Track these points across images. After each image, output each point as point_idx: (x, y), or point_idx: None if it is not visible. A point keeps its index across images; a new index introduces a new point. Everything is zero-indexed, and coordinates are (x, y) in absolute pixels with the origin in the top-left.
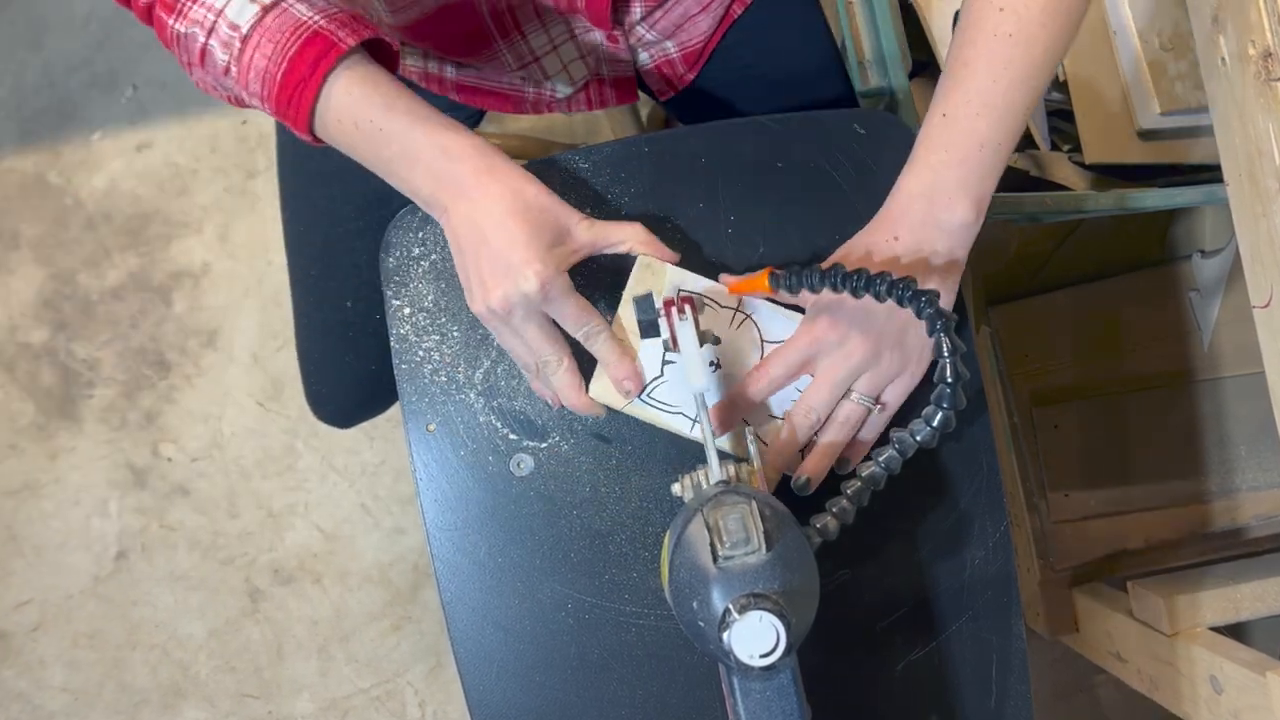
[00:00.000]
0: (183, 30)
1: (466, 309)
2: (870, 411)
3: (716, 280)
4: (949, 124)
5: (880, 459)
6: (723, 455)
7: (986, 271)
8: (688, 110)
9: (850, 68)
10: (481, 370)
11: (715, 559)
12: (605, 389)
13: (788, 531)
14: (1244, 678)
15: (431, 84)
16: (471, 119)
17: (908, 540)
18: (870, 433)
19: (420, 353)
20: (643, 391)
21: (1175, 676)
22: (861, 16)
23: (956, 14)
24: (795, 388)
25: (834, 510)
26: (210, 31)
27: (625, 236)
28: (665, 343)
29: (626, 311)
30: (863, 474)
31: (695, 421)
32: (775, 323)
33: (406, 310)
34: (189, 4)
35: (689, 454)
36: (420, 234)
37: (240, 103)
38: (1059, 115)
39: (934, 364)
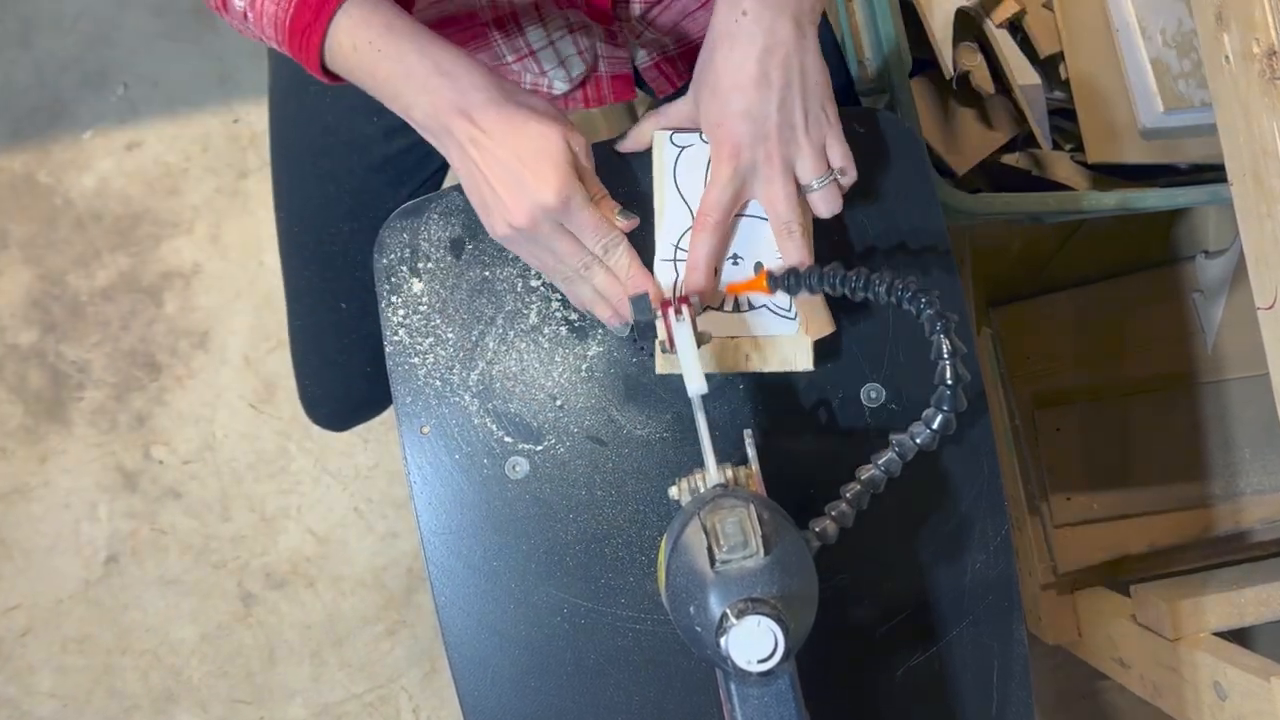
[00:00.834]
0: None
1: (461, 311)
2: (838, 182)
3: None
4: None
5: (879, 462)
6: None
7: (987, 272)
8: None
9: (850, 66)
10: (476, 372)
11: (712, 563)
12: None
13: (786, 535)
14: (1248, 683)
15: None
16: None
17: (907, 544)
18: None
19: (414, 355)
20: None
21: (1179, 682)
22: (861, 15)
23: (956, 13)
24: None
25: (833, 513)
26: None
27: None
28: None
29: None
30: (861, 477)
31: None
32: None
33: (401, 312)
34: None
35: (686, 457)
36: (414, 235)
37: (270, 42)
38: (1060, 114)
39: (934, 364)
